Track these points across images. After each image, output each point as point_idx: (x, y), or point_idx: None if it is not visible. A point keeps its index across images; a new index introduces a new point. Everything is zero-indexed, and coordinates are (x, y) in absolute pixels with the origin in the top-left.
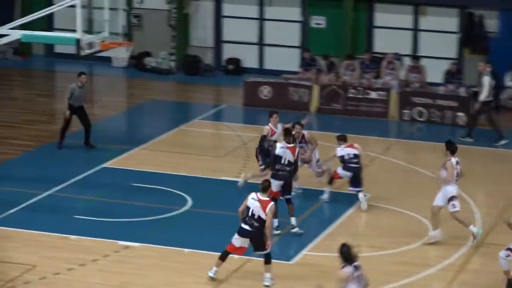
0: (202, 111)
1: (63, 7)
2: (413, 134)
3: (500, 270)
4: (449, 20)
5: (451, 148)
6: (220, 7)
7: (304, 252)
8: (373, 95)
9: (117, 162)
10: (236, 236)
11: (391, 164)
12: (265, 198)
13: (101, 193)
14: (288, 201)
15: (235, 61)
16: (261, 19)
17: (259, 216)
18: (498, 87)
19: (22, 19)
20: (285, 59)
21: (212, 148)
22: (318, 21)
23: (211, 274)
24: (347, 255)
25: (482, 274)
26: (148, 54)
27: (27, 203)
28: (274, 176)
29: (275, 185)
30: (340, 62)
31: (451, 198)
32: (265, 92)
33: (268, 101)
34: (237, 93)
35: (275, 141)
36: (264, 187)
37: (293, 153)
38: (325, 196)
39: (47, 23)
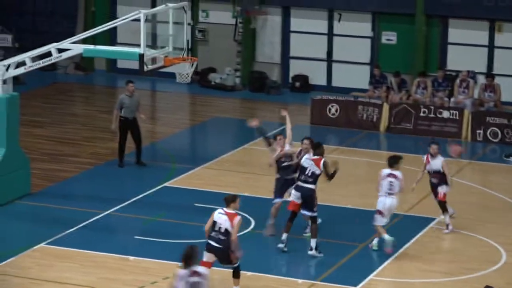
0: (267, 129)
1: (126, 21)
2: (487, 155)
3: None
4: None
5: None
6: (288, 22)
7: (371, 277)
8: (446, 114)
9: (179, 181)
10: (204, 253)
11: (463, 187)
12: (231, 211)
13: (162, 213)
14: (312, 220)
15: (302, 78)
16: (330, 34)
17: (226, 229)
18: None
19: (85, 33)
20: (354, 76)
21: None
22: (389, 37)
23: None
24: (185, 257)
25: None
26: (212, 70)
27: (86, 222)
28: (295, 187)
29: (294, 196)
30: (412, 80)
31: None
32: (333, 110)
33: (336, 120)
34: (304, 111)
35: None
36: (228, 201)
37: (318, 165)
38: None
39: (109, 37)
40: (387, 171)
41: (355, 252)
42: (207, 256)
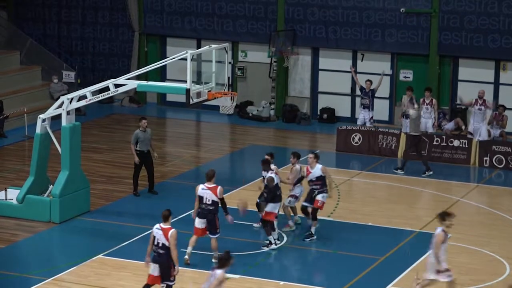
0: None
1: (175, 60)
2: (492, 179)
3: None
4: None
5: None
6: (317, 61)
7: (389, 286)
8: (456, 143)
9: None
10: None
11: (471, 207)
12: (167, 226)
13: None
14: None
15: (329, 110)
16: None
17: (163, 244)
18: None
19: (138, 70)
20: (376, 109)
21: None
22: (406, 75)
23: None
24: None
25: None
26: (250, 103)
27: (139, 236)
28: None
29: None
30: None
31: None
32: (356, 139)
33: (359, 147)
34: (331, 140)
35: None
36: (165, 216)
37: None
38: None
39: (160, 74)
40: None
41: (375, 265)
42: (152, 269)
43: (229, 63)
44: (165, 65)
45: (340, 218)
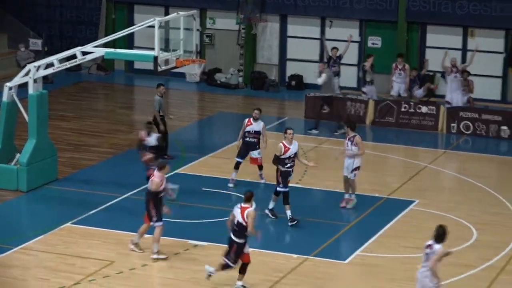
0: (266, 123)
1: (143, 27)
2: (460, 145)
3: None
4: (496, 41)
5: (351, 125)
6: (285, 28)
7: (358, 252)
8: (424, 109)
9: (189, 169)
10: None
11: (439, 173)
12: (246, 205)
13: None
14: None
15: (297, 78)
16: (322, 39)
17: (239, 222)
18: None
19: (106, 38)
20: (344, 76)
21: None
22: (374, 41)
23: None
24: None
25: None
26: (218, 70)
27: (107, 204)
28: None
29: None
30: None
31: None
32: (325, 106)
33: (328, 114)
34: (299, 107)
35: None
36: (246, 197)
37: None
38: None
39: (128, 42)
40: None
41: (344, 230)
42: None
43: (197, 30)
44: (133, 32)
45: (309, 185)
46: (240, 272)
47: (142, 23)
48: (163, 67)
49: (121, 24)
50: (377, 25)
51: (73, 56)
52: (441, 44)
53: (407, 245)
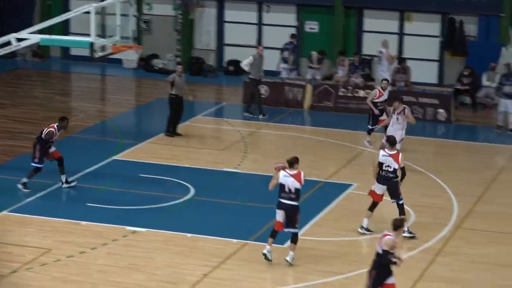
0: (204, 108)
1: (79, 13)
2: None
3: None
4: (432, 25)
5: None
6: (222, 13)
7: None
8: (362, 93)
9: (126, 155)
10: (277, 211)
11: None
12: (293, 172)
13: (111, 183)
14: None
15: (235, 63)
16: (259, 24)
17: (295, 189)
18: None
19: (41, 24)
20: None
21: (214, 142)
22: (312, 26)
23: (265, 252)
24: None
25: (458, 256)
26: (155, 56)
27: (44, 192)
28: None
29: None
30: (331, 64)
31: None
32: (263, 90)
33: (266, 99)
34: (237, 92)
35: None
36: (291, 162)
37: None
38: None
39: (63, 28)
40: None
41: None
42: (279, 215)
43: (134, 16)
44: (69, 18)
45: (247, 170)
46: (271, 236)
47: (78, 9)
48: (100, 53)
49: (56, 10)
50: (314, 10)
51: (8, 43)
52: (378, 29)
53: (346, 228)
